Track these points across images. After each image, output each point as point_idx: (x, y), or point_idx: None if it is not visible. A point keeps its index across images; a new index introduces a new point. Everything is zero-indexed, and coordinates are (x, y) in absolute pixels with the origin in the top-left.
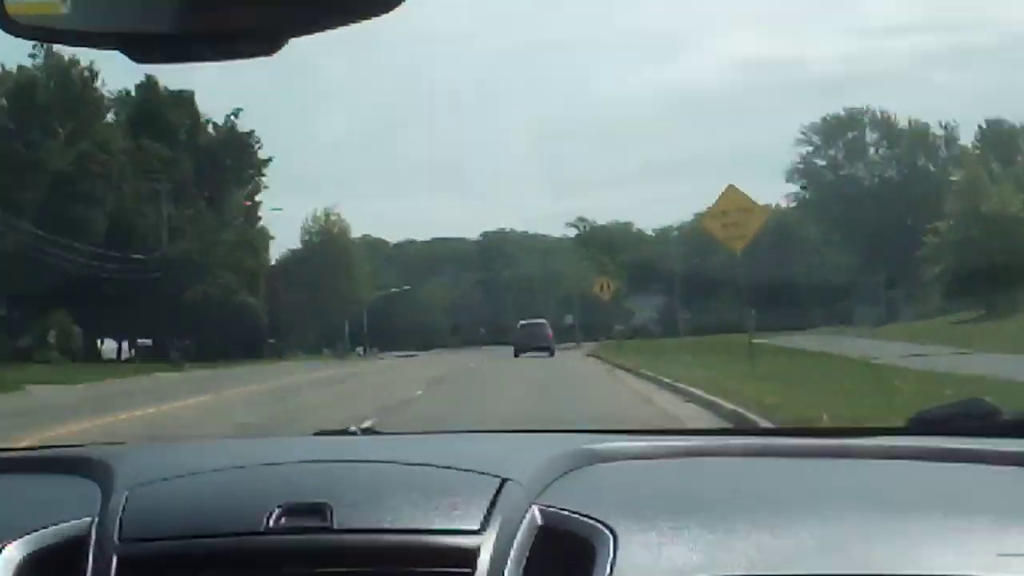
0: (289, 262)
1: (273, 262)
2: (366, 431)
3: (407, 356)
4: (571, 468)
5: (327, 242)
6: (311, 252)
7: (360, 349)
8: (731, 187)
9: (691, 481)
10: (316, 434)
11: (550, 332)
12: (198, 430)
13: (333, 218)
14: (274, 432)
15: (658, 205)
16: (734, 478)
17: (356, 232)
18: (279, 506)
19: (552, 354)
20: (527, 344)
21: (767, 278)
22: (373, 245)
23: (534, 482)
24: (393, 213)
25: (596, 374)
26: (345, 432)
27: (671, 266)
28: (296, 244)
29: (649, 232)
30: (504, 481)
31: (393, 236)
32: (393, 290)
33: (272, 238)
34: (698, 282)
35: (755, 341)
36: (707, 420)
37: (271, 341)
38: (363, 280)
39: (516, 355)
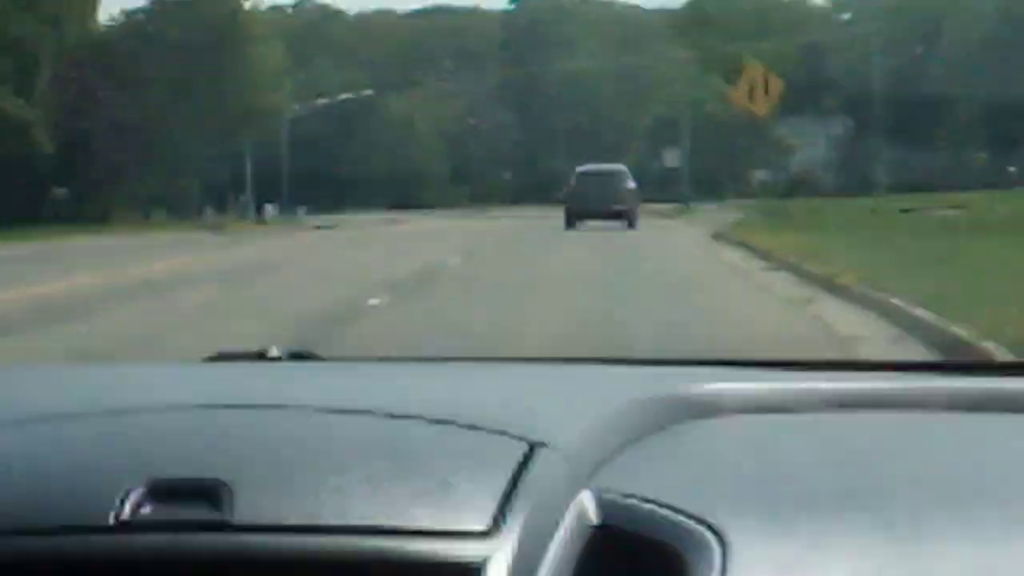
0: (115, 38)
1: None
2: (296, 356)
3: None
4: (653, 427)
5: None
6: (163, 16)
7: (268, 208)
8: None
9: (856, 451)
10: (210, 359)
11: (632, 184)
12: None
13: None
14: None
15: None
16: (931, 445)
17: None
18: (142, 484)
19: (632, 225)
20: (588, 206)
21: None
22: (306, 17)
23: (585, 450)
24: None
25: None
26: (259, 356)
27: (859, 66)
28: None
29: (818, 1)
30: (534, 447)
31: (349, 2)
32: (343, 98)
33: None
34: (906, 99)
35: None
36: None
37: (60, 191)
38: (270, 73)
39: (569, 224)
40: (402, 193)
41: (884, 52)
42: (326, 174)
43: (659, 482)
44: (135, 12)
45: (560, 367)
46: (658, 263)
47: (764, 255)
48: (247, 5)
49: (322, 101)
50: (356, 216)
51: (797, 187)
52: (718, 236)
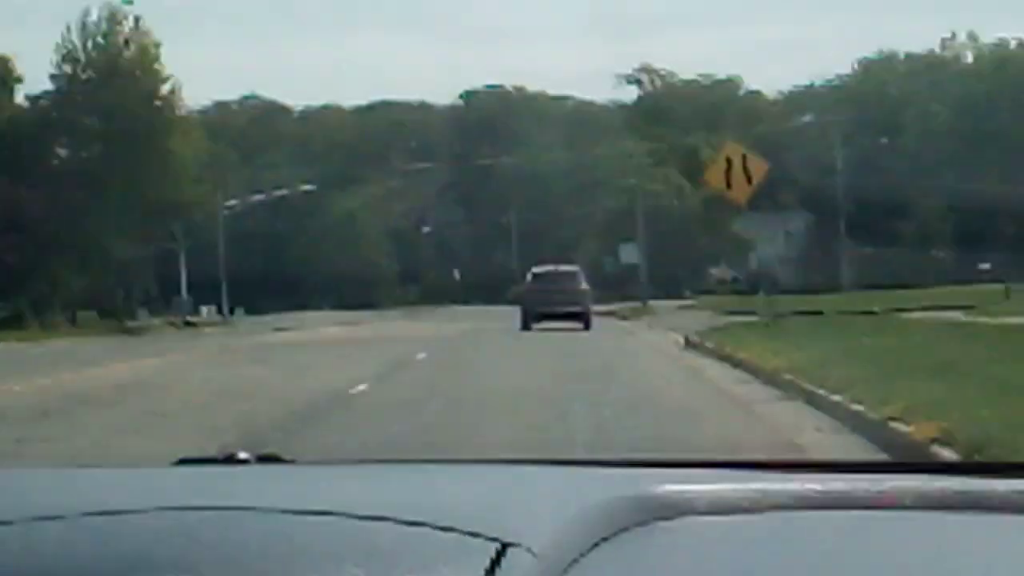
0: (19, 125)
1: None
2: (264, 459)
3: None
4: (621, 526)
5: (111, 73)
6: (71, 102)
7: (204, 309)
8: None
9: (820, 551)
10: (178, 463)
11: (584, 285)
12: None
13: (124, 26)
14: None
15: (780, 55)
16: (893, 544)
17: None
18: None
19: (587, 326)
20: (544, 306)
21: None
22: (252, 113)
23: (556, 549)
24: (299, 58)
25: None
26: (228, 460)
27: (818, 159)
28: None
29: (771, 95)
30: (506, 546)
31: (295, 97)
32: (280, 194)
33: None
34: (868, 193)
35: None
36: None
37: None
38: (192, 164)
39: (525, 325)
40: (349, 293)
41: (844, 144)
42: (269, 273)
43: None
44: (37, 97)
45: (529, 469)
46: (631, 385)
47: (767, 378)
48: (164, 89)
49: (257, 197)
50: (296, 315)
51: (756, 284)
52: (692, 344)
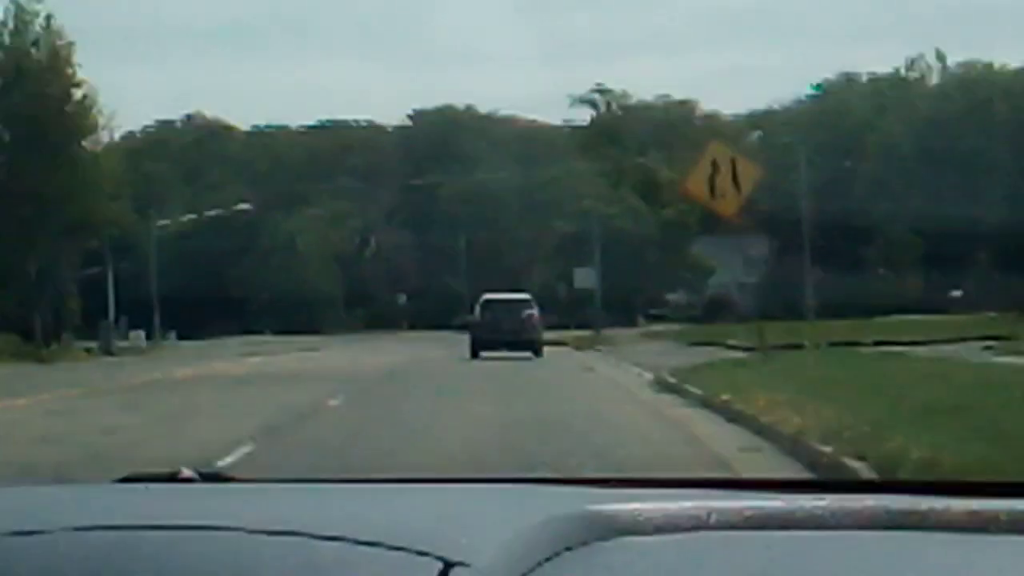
0: None
1: None
2: (208, 477)
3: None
4: (565, 545)
5: (17, 75)
6: None
7: (132, 333)
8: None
9: (767, 571)
10: (120, 480)
11: (535, 313)
12: None
13: (35, 25)
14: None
15: (734, 79)
16: (842, 564)
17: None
18: None
19: (538, 353)
20: (494, 335)
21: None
22: (195, 132)
23: (502, 567)
24: (245, 78)
25: None
26: (172, 478)
27: (778, 182)
28: None
29: (727, 115)
30: (448, 565)
31: (241, 117)
32: (213, 214)
33: None
34: (837, 212)
35: None
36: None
37: None
38: (106, 179)
39: (474, 354)
40: (293, 317)
41: (807, 167)
42: (210, 296)
43: None
44: None
45: (477, 487)
46: (603, 452)
47: (788, 444)
48: (78, 95)
49: (188, 217)
50: (231, 341)
51: (714, 311)
52: (667, 386)
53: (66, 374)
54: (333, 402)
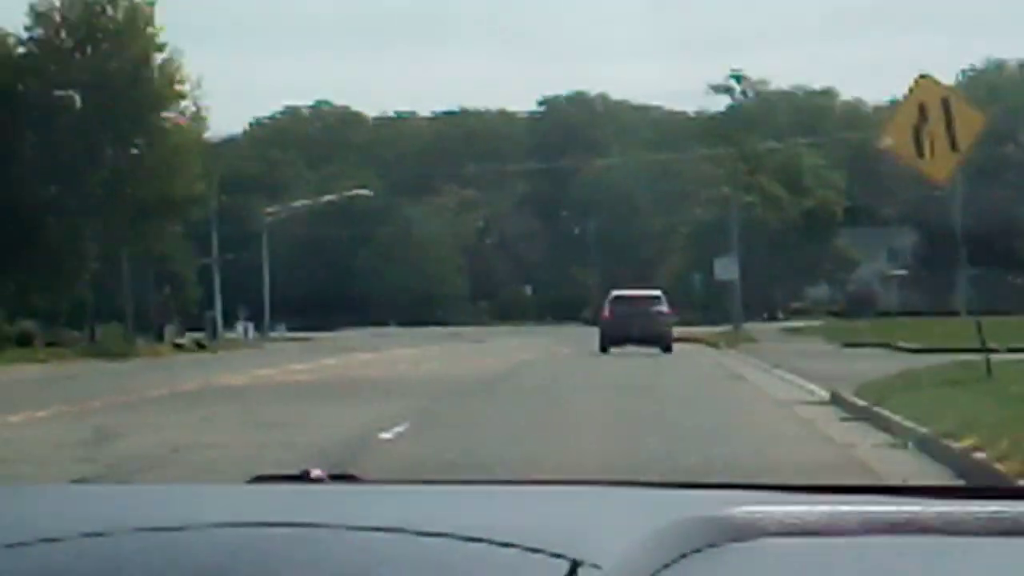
0: None
1: None
2: (338, 477)
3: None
4: (692, 547)
5: (91, 37)
6: (45, 62)
7: (240, 325)
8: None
9: None
10: (252, 481)
11: (666, 308)
12: None
13: None
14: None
15: (878, 69)
16: (966, 570)
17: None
18: None
19: (668, 349)
20: (624, 331)
21: None
22: (324, 120)
23: (627, 568)
24: (375, 67)
25: None
26: (302, 478)
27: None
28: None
29: (867, 106)
30: (576, 565)
31: (370, 105)
32: (327, 199)
33: None
34: (988, 204)
35: None
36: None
37: None
38: (187, 152)
39: (604, 348)
40: (418, 309)
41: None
42: (332, 287)
43: None
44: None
45: (599, 489)
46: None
47: None
48: (158, 59)
49: (301, 203)
50: (347, 335)
51: (857, 306)
52: (850, 407)
53: (101, 379)
54: (387, 435)
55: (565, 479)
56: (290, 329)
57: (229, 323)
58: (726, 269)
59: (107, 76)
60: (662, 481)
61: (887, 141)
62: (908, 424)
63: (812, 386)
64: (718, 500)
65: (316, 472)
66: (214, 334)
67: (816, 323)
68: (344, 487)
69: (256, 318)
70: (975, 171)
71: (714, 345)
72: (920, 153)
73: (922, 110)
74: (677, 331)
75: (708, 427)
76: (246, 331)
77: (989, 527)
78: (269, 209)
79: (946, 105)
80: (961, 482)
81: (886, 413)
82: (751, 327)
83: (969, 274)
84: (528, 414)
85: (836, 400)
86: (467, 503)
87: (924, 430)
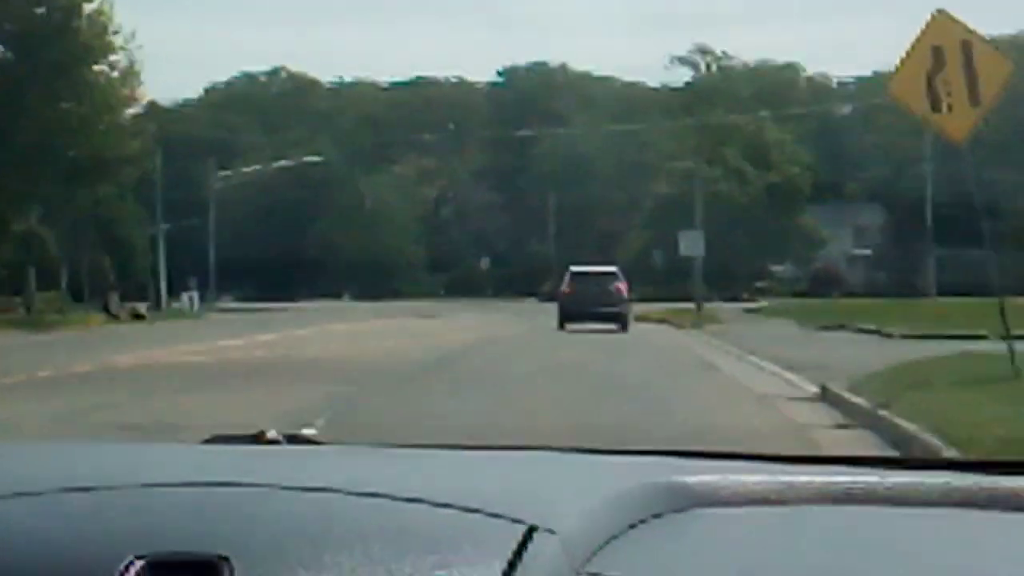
0: None
1: None
2: (294, 439)
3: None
4: (647, 514)
5: None
6: None
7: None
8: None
9: (852, 546)
10: (208, 441)
11: (622, 284)
12: None
13: None
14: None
15: (843, 47)
16: (926, 541)
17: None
18: (139, 557)
19: (624, 327)
20: (582, 307)
21: None
22: (279, 86)
23: (583, 534)
24: (332, 33)
25: None
26: (258, 439)
27: (894, 142)
28: None
29: (832, 81)
30: (531, 530)
31: (327, 72)
32: (279, 165)
33: None
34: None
35: None
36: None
37: None
38: (121, 108)
39: (562, 325)
40: (372, 280)
41: (925, 131)
42: (284, 257)
43: (655, 569)
44: None
45: (558, 455)
46: None
47: None
48: (88, 8)
49: (251, 168)
50: (298, 306)
51: (821, 285)
52: (850, 409)
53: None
54: (308, 428)
55: (524, 445)
56: (242, 300)
57: (177, 293)
58: (692, 244)
59: (33, 24)
60: (621, 448)
61: (893, 90)
62: (936, 441)
63: (800, 380)
64: (677, 467)
65: (272, 433)
66: (158, 304)
67: (779, 302)
68: (301, 448)
69: (206, 288)
70: (945, 150)
71: (676, 325)
72: (936, 107)
73: (937, 54)
74: (637, 309)
75: (683, 435)
76: (191, 301)
77: (951, 499)
78: (221, 174)
79: (966, 49)
80: None
81: (901, 423)
82: (714, 306)
83: (939, 253)
84: (473, 413)
85: (832, 400)
86: (424, 466)
87: (941, 443)
